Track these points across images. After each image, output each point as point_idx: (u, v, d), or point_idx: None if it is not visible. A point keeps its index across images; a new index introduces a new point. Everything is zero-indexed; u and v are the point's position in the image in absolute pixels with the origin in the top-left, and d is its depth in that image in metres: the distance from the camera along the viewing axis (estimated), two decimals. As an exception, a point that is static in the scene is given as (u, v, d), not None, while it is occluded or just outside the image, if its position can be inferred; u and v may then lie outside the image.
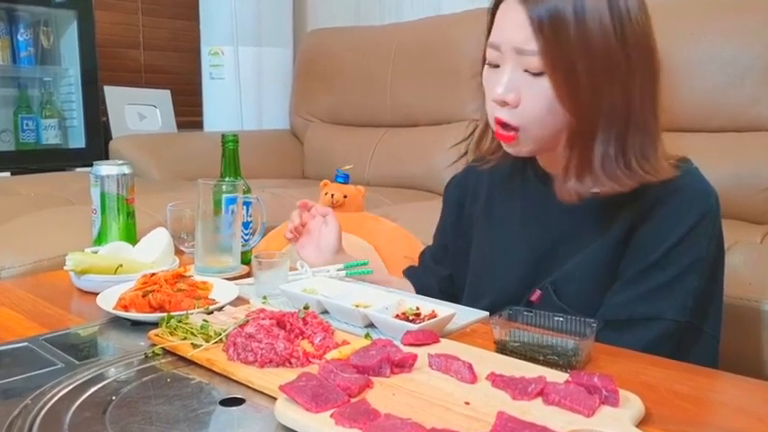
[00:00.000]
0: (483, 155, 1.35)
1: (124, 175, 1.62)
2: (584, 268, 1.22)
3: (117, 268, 1.41)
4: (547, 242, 1.28)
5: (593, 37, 1.08)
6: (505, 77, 1.15)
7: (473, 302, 1.32)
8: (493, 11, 1.21)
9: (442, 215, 1.55)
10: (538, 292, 1.24)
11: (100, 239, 1.61)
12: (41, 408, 0.87)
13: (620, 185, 1.14)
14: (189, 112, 4.38)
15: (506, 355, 1.02)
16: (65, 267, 1.39)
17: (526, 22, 1.10)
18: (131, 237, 1.63)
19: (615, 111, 1.12)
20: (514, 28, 1.12)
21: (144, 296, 1.21)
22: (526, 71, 1.13)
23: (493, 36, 1.18)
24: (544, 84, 1.12)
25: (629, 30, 1.11)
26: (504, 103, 1.15)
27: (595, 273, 1.21)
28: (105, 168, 1.60)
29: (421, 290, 1.50)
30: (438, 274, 1.52)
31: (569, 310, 1.15)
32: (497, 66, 1.17)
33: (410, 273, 1.58)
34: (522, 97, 1.14)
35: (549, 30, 1.09)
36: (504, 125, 1.17)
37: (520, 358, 1.00)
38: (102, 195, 1.60)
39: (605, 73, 1.10)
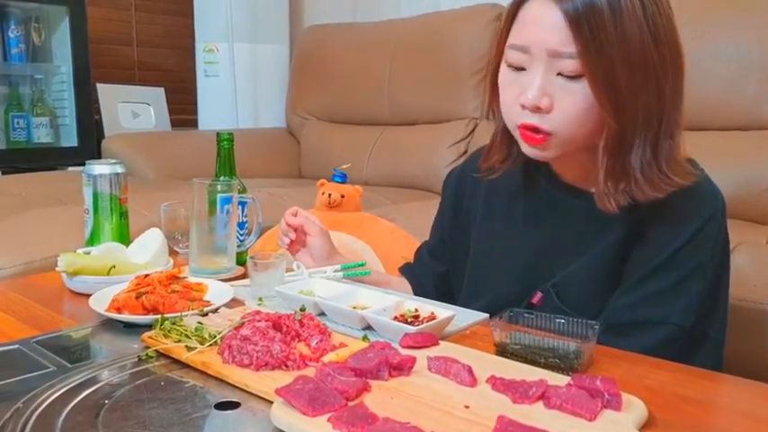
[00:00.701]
0: (492, 164, 1.32)
1: (117, 174, 1.61)
2: (587, 271, 1.22)
3: (110, 269, 1.41)
4: (548, 243, 1.28)
5: (629, 35, 1.06)
6: (537, 81, 1.10)
7: (471, 301, 1.32)
8: (514, 10, 1.15)
9: (440, 209, 1.55)
10: (539, 295, 1.24)
11: (92, 240, 1.61)
12: (33, 411, 0.86)
13: (658, 191, 1.12)
14: (183, 110, 4.38)
15: (507, 357, 1.02)
16: (57, 268, 1.39)
17: (562, 23, 1.06)
18: (124, 237, 1.62)
19: (650, 113, 1.10)
20: (548, 29, 1.08)
21: (137, 298, 1.21)
22: (560, 74, 1.09)
23: (519, 37, 1.13)
24: (581, 87, 1.08)
25: (661, 25, 1.09)
26: (537, 109, 1.11)
27: (598, 276, 1.21)
28: (98, 167, 1.60)
29: (417, 287, 1.51)
30: (434, 270, 1.52)
31: (570, 312, 1.15)
32: (522, 69, 1.13)
33: (406, 270, 1.58)
34: (555, 102, 1.10)
35: (588, 30, 1.05)
36: (535, 130, 1.13)
37: (521, 361, 1.00)
38: (95, 195, 1.60)
39: (642, 73, 1.07)
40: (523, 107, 1.13)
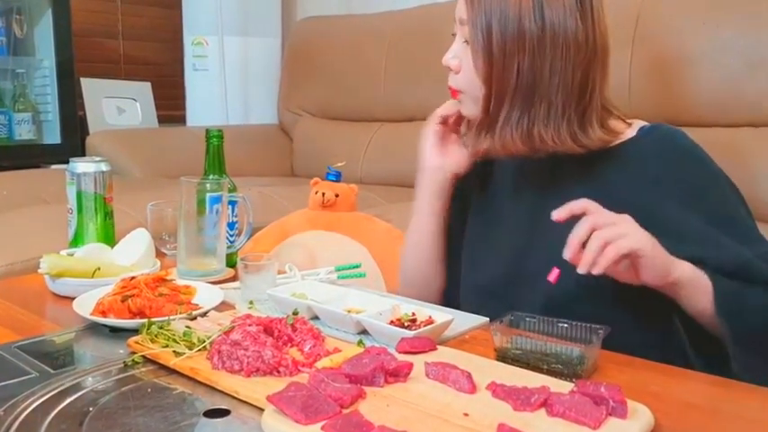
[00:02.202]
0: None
1: (102, 172, 1.61)
2: None
3: (94, 271, 1.41)
4: (539, 207, 1.31)
5: (508, 6, 1.23)
6: (453, 46, 1.34)
7: (467, 283, 1.40)
8: None
9: None
10: (556, 271, 1.20)
11: (76, 241, 1.60)
12: (14, 419, 0.86)
13: (514, 149, 1.27)
14: (171, 105, 4.37)
15: (508, 363, 1.02)
16: (39, 270, 1.39)
17: None
18: (110, 238, 1.62)
19: (522, 82, 1.24)
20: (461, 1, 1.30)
21: (123, 301, 1.21)
22: (465, 41, 1.30)
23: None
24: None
25: (547, 7, 1.22)
26: (448, 69, 1.35)
27: None
28: (82, 165, 1.60)
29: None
30: None
31: (593, 286, 1.17)
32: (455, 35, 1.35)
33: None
34: (462, 65, 1.32)
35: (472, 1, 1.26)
36: (451, 89, 1.37)
37: (522, 366, 1.01)
38: (79, 194, 1.59)
39: (516, 48, 1.23)
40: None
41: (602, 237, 1.07)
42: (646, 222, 1.12)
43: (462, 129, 1.45)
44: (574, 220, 1.14)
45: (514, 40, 1.23)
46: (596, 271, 1.06)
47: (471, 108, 1.34)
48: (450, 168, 1.43)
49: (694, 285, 1.14)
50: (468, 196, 1.47)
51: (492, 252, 1.38)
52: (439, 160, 1.43)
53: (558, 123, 1.25)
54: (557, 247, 1.11)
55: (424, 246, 1.47)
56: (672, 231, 1.17)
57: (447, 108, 1.44)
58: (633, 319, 1.20)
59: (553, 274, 1.13)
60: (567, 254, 1.09)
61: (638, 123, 1.32)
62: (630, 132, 1.30)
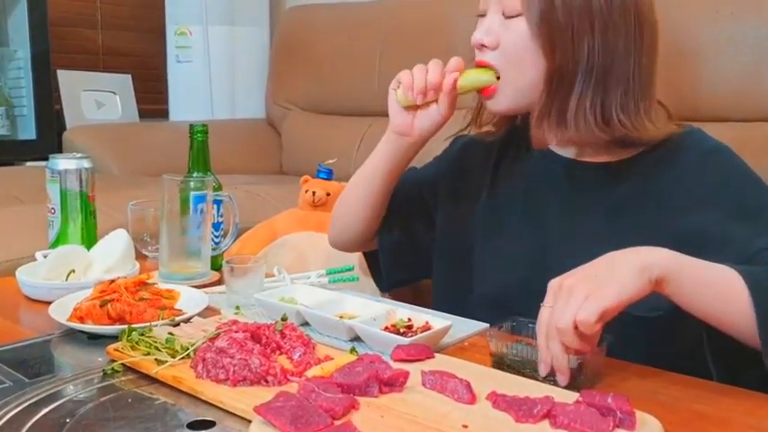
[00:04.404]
0: (482, 124, 1.43)
1: (85, 169, 1.61)
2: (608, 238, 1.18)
3: (69, 274, 1.41)
4: (554, 224, 1.32)
5: None
6: (485, 22, 1.28)
7: (479, 289, 1.38)
8: None
9: (437, 162, 1.59)
10: None
11: (58, 242, 1.60)
12: (-14, 432, 0.86)
13: (593, 137, 1.25)
14: (152, 99, 4.36)
15: (503, 370, 1.03)
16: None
17: None
18: (92, 239, 1.62)
19: (593, 61, 1.21)
20: None
21: (102, 306, 1.21)
22: (504, 14, 1.25)
23: None
24: (519, 25, 1.23)
25: None
26: (482, 47, 1.28)
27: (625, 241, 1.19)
28: (64, 162, 1.59)
29: None
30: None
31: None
32: (483, 15, 1.30)
33: None
34: (500, 40, 1.26)
35: None
36: (484, 66, 1.29)
37: (518, 374, 1.01)
38: (63, 193, 1.59)
39: (585, 20, 1.20)
40: (476, 48, 1.30)
41: (563, 328, 0.97)
42: (683, 238, 1.12)
43: (485, 119, 1.42)
44: (595, 229, 1.19)
45: (582, 12, 1.20)
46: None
47: (507, 99, 1.30)
48: (413, 138, 1.38)
49: (689, 281, 1.05)
50: (473, 201, 1.45)
51: (502, 262, 1.37)
52: (402, 128, 1.38)
53: (636, 110, 1.24)
54: (579, 260, 1.08)
55: (361, 188, 1.49)
56: (715, 242, 1.16)
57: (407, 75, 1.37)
58: (662, 341, 1.20)
59: None
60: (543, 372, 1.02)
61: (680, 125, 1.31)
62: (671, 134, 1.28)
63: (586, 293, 0.97)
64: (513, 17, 1.24)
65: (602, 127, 1.23)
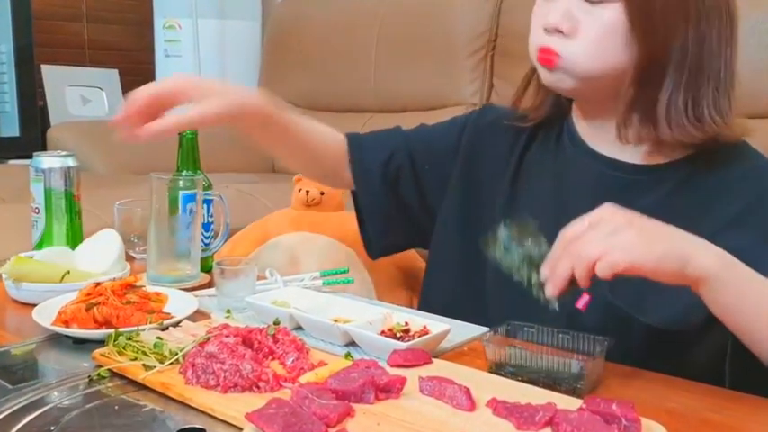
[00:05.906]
0: (523, 111, 1.39)
1: (70, 168, 1.60)
2: None
3: (63, 275, 1.40)
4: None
5: None
6: (563, 4, 1.20)
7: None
8: None
9: (444, 128, 1.57)
10: (586, 297, 1.16)
11: (43, 243, 1.59)
12: (-33, 440, 0.86)
13: (686, 136, 1.19)
14: (140, 95, 4.36)
15: (501, 376, 1.03)
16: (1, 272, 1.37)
17: None
18: (78, 240, 1.61)
19: (687, 53, 1.18)
20: None
21: (87, 309, 1.20)
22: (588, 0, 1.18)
23: None
24: (607, 13, 1.17)
25: None
26: (556, 31, 1.20)
27: None
28: (48, 160, 1.59)
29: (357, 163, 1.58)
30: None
31: (625, 307, 1.16)
32: None
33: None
34: (580, 27, 1.19)
35: None
36: (550, 52, 1.22)
37: (515, 380, 1.01)
38: (48, 192, 1.58)
39: (683, 9, 1.16)
40: (546, 31, 1.22)
41: (585, 254, 0.98)
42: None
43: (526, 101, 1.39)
44: None
45: (681, 3, 1.17)
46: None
47: (570, 81, 1.24)
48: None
49: (732, 293, 1.03)
50: (494, 183, 1.42)
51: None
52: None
53: (729, 107, 1.21)
54: None
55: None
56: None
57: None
58: (675, 349, 1.19)
59: (582, 301, 1.06)
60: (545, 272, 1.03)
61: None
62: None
63: (630, 241, 0.98)
64: (599, 2, 1.18)
65: (695, 124, 1.19)
